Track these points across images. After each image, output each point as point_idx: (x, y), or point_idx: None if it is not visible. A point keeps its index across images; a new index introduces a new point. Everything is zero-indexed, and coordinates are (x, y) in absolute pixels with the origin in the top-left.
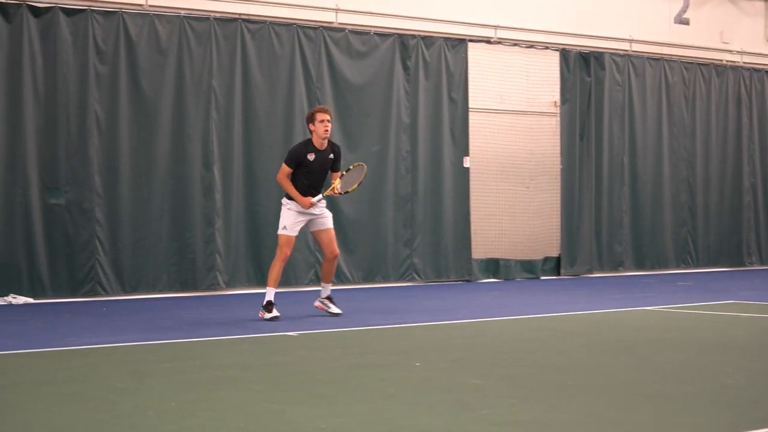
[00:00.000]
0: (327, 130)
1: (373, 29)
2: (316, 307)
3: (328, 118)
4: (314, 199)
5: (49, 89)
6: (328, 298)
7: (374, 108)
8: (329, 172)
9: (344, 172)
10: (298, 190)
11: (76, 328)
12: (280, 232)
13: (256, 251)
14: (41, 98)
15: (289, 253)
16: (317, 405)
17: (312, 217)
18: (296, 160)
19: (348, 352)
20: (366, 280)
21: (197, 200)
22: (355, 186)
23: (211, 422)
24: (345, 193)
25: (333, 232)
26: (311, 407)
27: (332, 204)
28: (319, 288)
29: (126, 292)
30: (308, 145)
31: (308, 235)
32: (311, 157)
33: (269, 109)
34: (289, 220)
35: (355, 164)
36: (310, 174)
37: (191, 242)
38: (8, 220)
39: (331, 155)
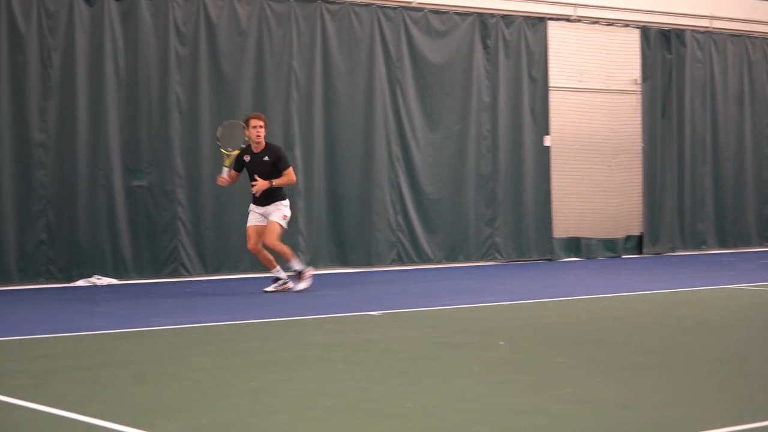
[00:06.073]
0: (259, 136)
1: (452, 9)
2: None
3: (261, 124)
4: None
5: (130, 73)
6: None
7: (454, 87)
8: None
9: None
10: None
11: (160, 309)
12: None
13: (338, 231)
14: (123, 82)
15: None
16: (402, 383)
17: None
18: None
19: (432, 332)
20: (448, 260)
21: None
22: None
23: (297, 401)
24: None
25: None
26: (397, 386)
27: (414, 184)
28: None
29: (208, 272)
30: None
31: (390, 216)
32: (247, 158)
33: (350, 90)
34: None
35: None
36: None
37: None
38: (92, 202)
39: (266, 158)
